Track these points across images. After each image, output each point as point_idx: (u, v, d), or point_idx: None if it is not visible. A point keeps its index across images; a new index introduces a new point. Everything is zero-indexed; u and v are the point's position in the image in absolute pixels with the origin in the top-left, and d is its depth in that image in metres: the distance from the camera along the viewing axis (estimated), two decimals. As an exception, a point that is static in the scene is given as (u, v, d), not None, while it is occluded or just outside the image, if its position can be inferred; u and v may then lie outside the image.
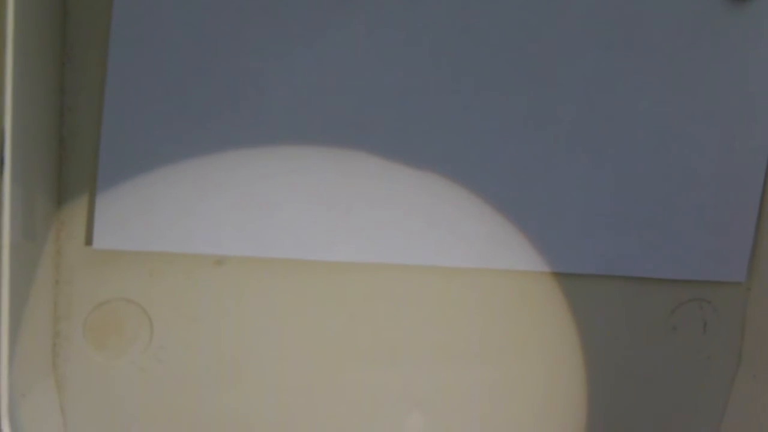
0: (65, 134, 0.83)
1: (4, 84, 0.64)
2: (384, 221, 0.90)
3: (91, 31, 0.83)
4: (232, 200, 0.86)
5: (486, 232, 0.92)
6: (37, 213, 0.79)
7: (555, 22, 0.91)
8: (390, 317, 0.93)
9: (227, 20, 0.84)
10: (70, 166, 0.83)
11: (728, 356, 1.02)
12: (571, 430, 1.00)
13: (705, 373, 1.02)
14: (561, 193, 0.93)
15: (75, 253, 0.84)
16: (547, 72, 0.92)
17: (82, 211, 0.84)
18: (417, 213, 0.90)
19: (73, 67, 0.83)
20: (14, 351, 0.70)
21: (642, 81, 0.94)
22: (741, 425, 1.00)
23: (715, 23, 0.94)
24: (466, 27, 0.89)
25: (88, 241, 0.84)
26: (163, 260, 0.86)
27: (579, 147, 0.93)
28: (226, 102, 0.85)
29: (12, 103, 0.65)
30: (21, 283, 0.74)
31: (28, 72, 0.72)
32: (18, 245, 0.71)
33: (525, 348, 0.96)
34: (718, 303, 1.01)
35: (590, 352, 0.98)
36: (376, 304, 0.92)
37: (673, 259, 0.97)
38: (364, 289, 0.92)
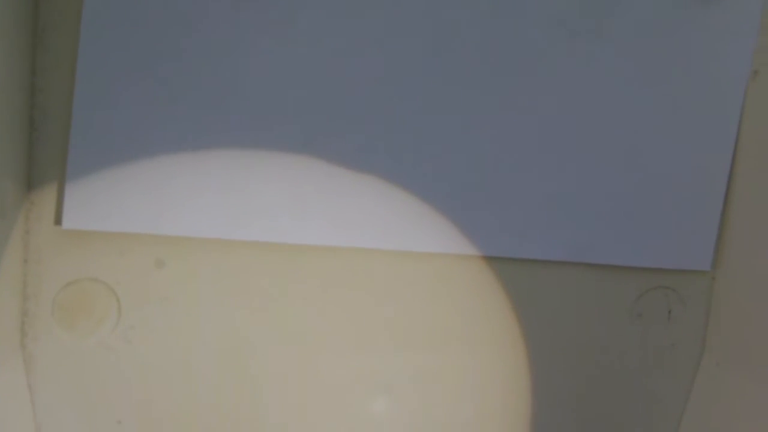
0: (36, 115, 0.84)
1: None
2: (352, 206, 0.91)
3: (63, 13, 0.83)
4: (202, 183, 0.87)
5: (453, 218, 0.93)
6: (6, 193, 0.79)
7: (529, 24, 0.92)
8: (354, 302, 0.94)
9: (199, 6, 0.84)
10: (41, 146, 0.84)
11: (692, 344, 1.03)
12: (535, 414, 1.00)
13: (669, 360, 1.03)
14: (529, 181, 0.94)
15: (44, 233, 0.85)
16: (521, 67, 0.92)
17: (52, 191, 0.84)
18: (386, 199, 0.91)
19: (44, 49, 0.83)
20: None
21: (612, 75, 0.95)
22: (704, 411, 1.01)
23: (683, 22, 0.95)
24: (440, 21, 0.90)
25: (58, 221, 0.84)
26: (133, 241, 0.87)
27: (548, 137, 0.94)
28: (196, 86, 0.85)
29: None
30: (-11, 261, 0.75)
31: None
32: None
33: (491, 333, 0.97)
34: (683, 291, 1.02)
35: (555, 338, 0.99)
36: (338, 287, 0.93)
37: (639, 247, 0.98)
38: (329, 272, 0.93)
